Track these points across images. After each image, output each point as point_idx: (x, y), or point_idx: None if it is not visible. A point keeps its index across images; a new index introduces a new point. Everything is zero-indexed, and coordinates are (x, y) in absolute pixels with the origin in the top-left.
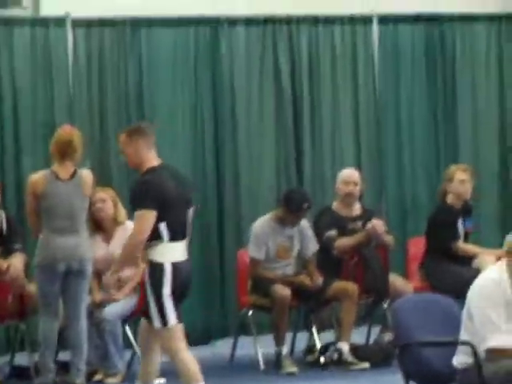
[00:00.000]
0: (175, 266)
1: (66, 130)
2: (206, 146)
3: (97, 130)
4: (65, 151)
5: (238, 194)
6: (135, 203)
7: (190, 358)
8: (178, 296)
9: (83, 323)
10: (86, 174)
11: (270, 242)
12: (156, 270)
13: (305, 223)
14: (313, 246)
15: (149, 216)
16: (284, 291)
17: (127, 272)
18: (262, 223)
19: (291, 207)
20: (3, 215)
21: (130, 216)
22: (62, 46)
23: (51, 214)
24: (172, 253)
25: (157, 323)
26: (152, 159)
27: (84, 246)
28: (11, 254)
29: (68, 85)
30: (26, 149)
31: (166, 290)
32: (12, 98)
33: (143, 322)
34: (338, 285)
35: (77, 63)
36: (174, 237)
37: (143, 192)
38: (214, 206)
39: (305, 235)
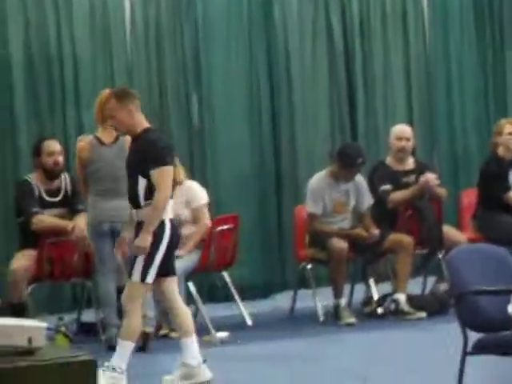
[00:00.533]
0: (172, 222)
1: (107, 94)
2: (262, 107)
3: (156, 96)
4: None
5: (294, 152)
6: (153, 161)
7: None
8: (173, 251)
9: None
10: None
11: (327, 197)
12: (159, 229)
13: (360, 178)
14: (368, 200)
15: (169, 172)
16: (341, 244)
17: (189, 229)
18: (317, 179)
19: (345, 163)
20: (68, 177)
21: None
22: (120, 13)
23: (96, 178)
24: (169, 210)
25: (136, 277)
26: (144, 121)
27: (128, 208)
28: (75, 215)
29: (126, 52)
30: (86, 117)
31: (163, 246)
32: (73, 66)
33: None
34: (394, 237)
35: (135, 30)
36: (171, 195)
37: (159, 149)
38: (272, 164)
39: (360, 190)
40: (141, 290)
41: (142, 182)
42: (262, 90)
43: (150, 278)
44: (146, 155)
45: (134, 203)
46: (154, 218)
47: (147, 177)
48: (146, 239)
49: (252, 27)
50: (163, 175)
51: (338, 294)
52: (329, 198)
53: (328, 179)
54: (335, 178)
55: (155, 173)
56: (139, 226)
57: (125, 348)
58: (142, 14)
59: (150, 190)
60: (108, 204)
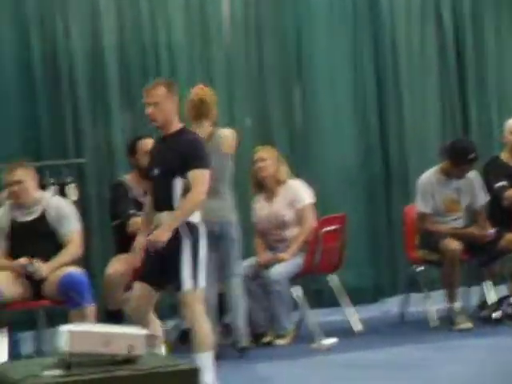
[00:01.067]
0: (205, 227)
1: (198, 89)
2: (369, 101)
3: (255, 86)
4: (199, 111)
5: (403, 147)
6: (196, 162)
7: (208, 326)
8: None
9: (235, 284)
10: (226, 133)
11: (437, 195)
12: (193, 231)
13: (474, 174)
14: (482, 198)
15: (208, 176)
16: (454, 245)
17: (293, 230)
18: (428, 176)
19: (456, 159)
20: None
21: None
22: (218, 1)
23: None
24: (201, 214)
25: (188, 285)
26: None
27: (225, 208)
28: None
29: (224, 42)
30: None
31: (203, 251)
32: (168, 55)
33: (141, 287)
34: (510, 236)
35: (233, 19)
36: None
37: (203, 151)
38: (379, 161)
39: (473, 187)
40: (197, 297)
41: (179, 183)
42: (368, 83)
43: (202, 280)
44: (189, 155)
45: (166, 205)
46: (180, 218)
47: (185, 178)
48: (164, 235)
49: (356, 16)
50: (204, 178)
51: (451, 298)
52: (440, 196)
53: (439, 176)
54: (446, 175)
55: (196, 174)
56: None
57: (207, 360)
58: (241, 1)
59: (186, 192)
60: (205, 205)
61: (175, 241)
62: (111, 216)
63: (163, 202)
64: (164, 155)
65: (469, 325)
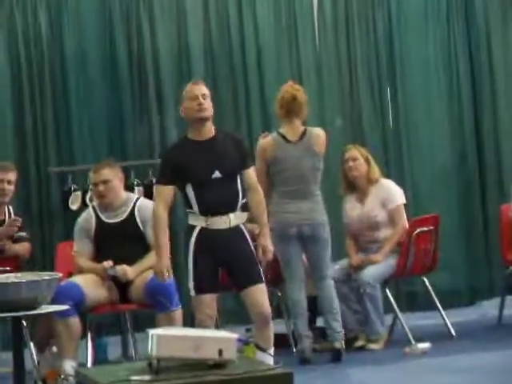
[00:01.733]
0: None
1: (289, 87)
2: (463, 99)
3: (346, 84)
4: (290, 109)
5: (499, 145)
6: (249, 159)
7: None
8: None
9: (328, 286)
10: (318, 132)
11: None
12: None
13: None
14: None
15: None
16: None
17: (386, 231)
18: None
19: None
20: None
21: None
22: None
23: (281, 179)
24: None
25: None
26: None
27: (316, 209)
28: None
29: (314, 37)
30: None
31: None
32: (256, 53)
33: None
34: None
35: (322, 16)
36: None
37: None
38: (474, 159)
39: None
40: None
41: (238, 182)
42: (462, 81)
43: (191, 286)
44: (243, 153)
45: (231, 206)
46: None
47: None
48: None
49: (450, 12)
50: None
51: None
52: None
53: None
54: None
55: (252, 172)
56: (234, 231)
57: None
58: None
59: (242, 191)
60: (295, 207)
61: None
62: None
63: (230, 202)
64: (225, 154)
65: None
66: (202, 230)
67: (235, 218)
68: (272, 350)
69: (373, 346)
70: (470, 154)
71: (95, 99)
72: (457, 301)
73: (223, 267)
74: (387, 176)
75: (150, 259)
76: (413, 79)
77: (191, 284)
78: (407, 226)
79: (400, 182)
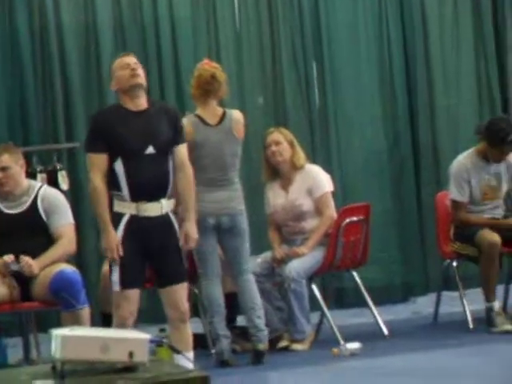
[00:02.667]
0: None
1: (205, 65)
2: (395, 76)
3: (268, 61)
4: (208, 89)
5: (434, 128)
6: (182, 136)
7: None
8: None
9: (248, 281)
10: (237, 116)
11: (474, 181)
12: None
13: (511, 156)
14: None
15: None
16: (493, 237)
17: (311, 222)
18: (461, 161)
19: (494, 140)
20: None
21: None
22: None
23: (200, 165)
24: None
25: None
26: None
27: (235, 198)
28: None
29: (233, 11)
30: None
31: None
32: (170, 29)
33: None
34: None
35: None
36: None
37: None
38: (408, 143)
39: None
40: None
41: (170, 162)
42: (395, 55)
43: None
44: (177, 127)
45: (164, 190)
46: None
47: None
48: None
49: None
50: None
51: (490, 297)
52: (476, 182)
53: (475, 160)
54: (483, 159)
55: (184, 148)
56: (165, 220)
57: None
58: None
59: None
60: (213, 196)
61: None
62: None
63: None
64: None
65: (509, 326)
66: (132, 218)
67: (167, 205)
68: (191, 353)
69: (298, 346)
70: (403, 135)
71: None
72: (389, 297)
73: (148, 260)
74: (313, 161)
75: (54, 252)
76: (340, 55)
77: (115, 277)
78: (335, 215)
79: (327, 167)
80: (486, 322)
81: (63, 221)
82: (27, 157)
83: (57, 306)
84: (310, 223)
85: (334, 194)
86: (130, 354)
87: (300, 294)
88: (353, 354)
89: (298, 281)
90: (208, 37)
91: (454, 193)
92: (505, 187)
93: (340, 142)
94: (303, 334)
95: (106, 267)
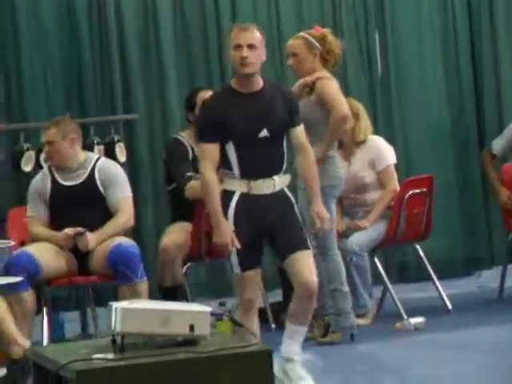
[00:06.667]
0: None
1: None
2: (460, 48)
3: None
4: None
5: (499, 99)
6: (298, 117)
7: None
8: None
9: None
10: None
11: None
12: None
13: None
14: None
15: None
16: None
17: (375, 194)
18: None
19: None
20: None
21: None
22: None
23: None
24: None
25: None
26: None
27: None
28: None
29: None
30: None
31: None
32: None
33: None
34: None
35: None
36: None
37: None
38: (473, 114)
39: None
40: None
41: (285, 143)
42: (459, 24)
43: (234, 261)
44: (293, 108)
45: (277, 169)
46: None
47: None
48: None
49: None
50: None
51: None
52: None
53: None
54: None
55: (302, 129)
56: (279, 196)
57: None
58: None
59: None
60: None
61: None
62: (166, 179)
63: (274, 164)
64: (271, 108)
65: None
66: (243, 196)
67: (280, 182)
68: (305, 329)
69: (360, 321)
70: (467, 105)
71: (50, 49)
72: (453, 271)
73: (266, 237)
74: (376, 132)
75: (112, 226)
76: (404, 26)
77: (235, 260)
78: (398, 188)
79: (390, 139)
80: None
81: (121, 193)
82: (84, 129)
83: (115, 279)
84: (372, 195)
85: (396, 166)
86: (191, 327)
87: (362, 267)
88: (416, 329)
89: (360, 254)
90: (268, 11)
91: (495, 140)
92: None
93: (403, 113)
94: (366, 309)
95: (164, 240)
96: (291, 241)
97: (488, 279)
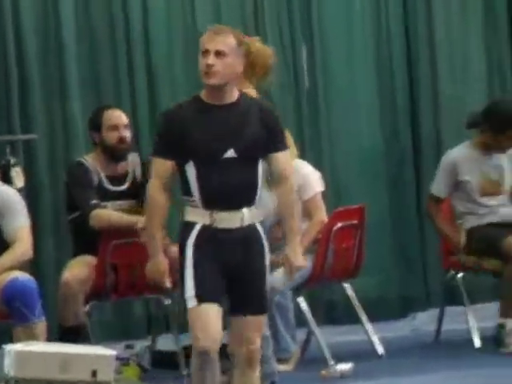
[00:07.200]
0: None
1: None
2: (394, 59)
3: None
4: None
5: (437, 117)
6: (283, 139)
7: None
8: None
9: None
10: None
11: (469, 176)
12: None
13: None
14: None
15: None
16: None
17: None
18: (453, 153)
19: (500, 125)
20: (137, 159)
21: None
22: None
23: None
24: None
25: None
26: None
27: None
28: None
29: None
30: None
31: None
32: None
33: None
34: None
35: None
36: None
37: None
38: (408, 136)
39: None
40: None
41: (260, 168)
42: (393, 36)
43: (189, 293)
44: (273, 129)
45: (247, 198)
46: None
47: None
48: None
49: None
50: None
51: (508, 312)
52: (473, 176)
53: (471, 152)
54: (483, 150)
55: (285, 156)
56: (248, 233)
57: None
58: None
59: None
60: None
61: None
62: (68, 207)
63: (244, 193)
64: (241, 127)
65: None
66: (205, 228)
67: (250, 215)
68: None
69: (282, 366)
70: (402, 128)
71: None
72: (385, 312)
73: (228, 276)
74: (301, 156)
75: (8, 258)
76: (333, 38)
77: (190, 292)
78: (326, 219)
79: (317, 163)
80: (494, 341)
81: (18, 223)
82: None
83: (9, 318)
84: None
85: (324, 194)
86: (94, 373)
87: (285, 307)
88: (343, 376)
89: (283, 293)
90: (183, 15)
91: (433, 185)
92: (509, 181)
93: (332, 135)
94: (288, 353)
95: (65, 274)
96: (248, 300)
97: (423, 322)
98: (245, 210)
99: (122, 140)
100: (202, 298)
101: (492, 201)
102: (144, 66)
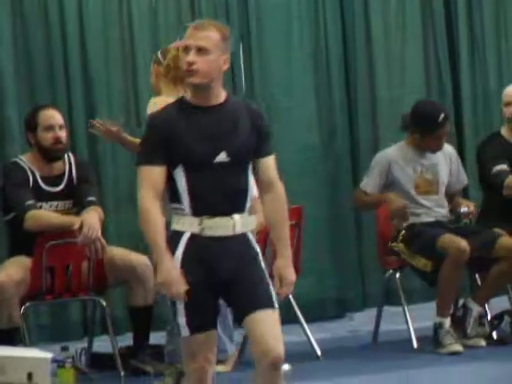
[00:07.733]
0: None
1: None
2: (332, 63)
3: None
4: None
5: (374, 119)
6: (269, 146)
7: None
8: None
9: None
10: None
11: (402, 174)
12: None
13: (450, 148)
14: (464, 178)
15: None
16: (461, 242)
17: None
18: (385, 152)
19: (426, 125)
20: (73, 159)
21: None
22: None
23: None
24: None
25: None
26: None
27: None
28: (84, 209)
29: None
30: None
31: None
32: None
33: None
34: (507, 241)
35: None
36: None
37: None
38: (346, 140)
39: (452, 162)
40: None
41: (249, 173)
42: (331, 40)
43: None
44: (262, 133)
45: (238, 204)
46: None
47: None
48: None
49: None
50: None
51: (444, 311)
52: (406, 175)
53: (404, 151)
54: (417, 150)
55: (274, 161)
56: (240, 241)
57: None
58: None
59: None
60: None
61: None
62: (3, 208)
63: (233, 200)
64: (232, 134)
65: (459, 347)
66: (193, 238)
67: (242, 223)
68: None
69: (220, 367)
70: (339, 130)
71: None
72: (323, 313)
73: (220, 292)
74: None
75: None
76: (270, 39)
77: (182, 320)
78: (263, 220)
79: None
80: (432, 341)
81: None
82: None
83: None
84: None
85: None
86: (29, 376)
87: (221, 307)
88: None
89: None
90: (120, 14)
91: (363, 181)
92: (444, 180)
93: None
94: (226, 354)
95: (3, 276)
96: (251, 297)
97: (361, 322)
98: (236, 217)
99: (57, 140)
100: (194, 327)
101: (427, 201)
102: (79, 66)
